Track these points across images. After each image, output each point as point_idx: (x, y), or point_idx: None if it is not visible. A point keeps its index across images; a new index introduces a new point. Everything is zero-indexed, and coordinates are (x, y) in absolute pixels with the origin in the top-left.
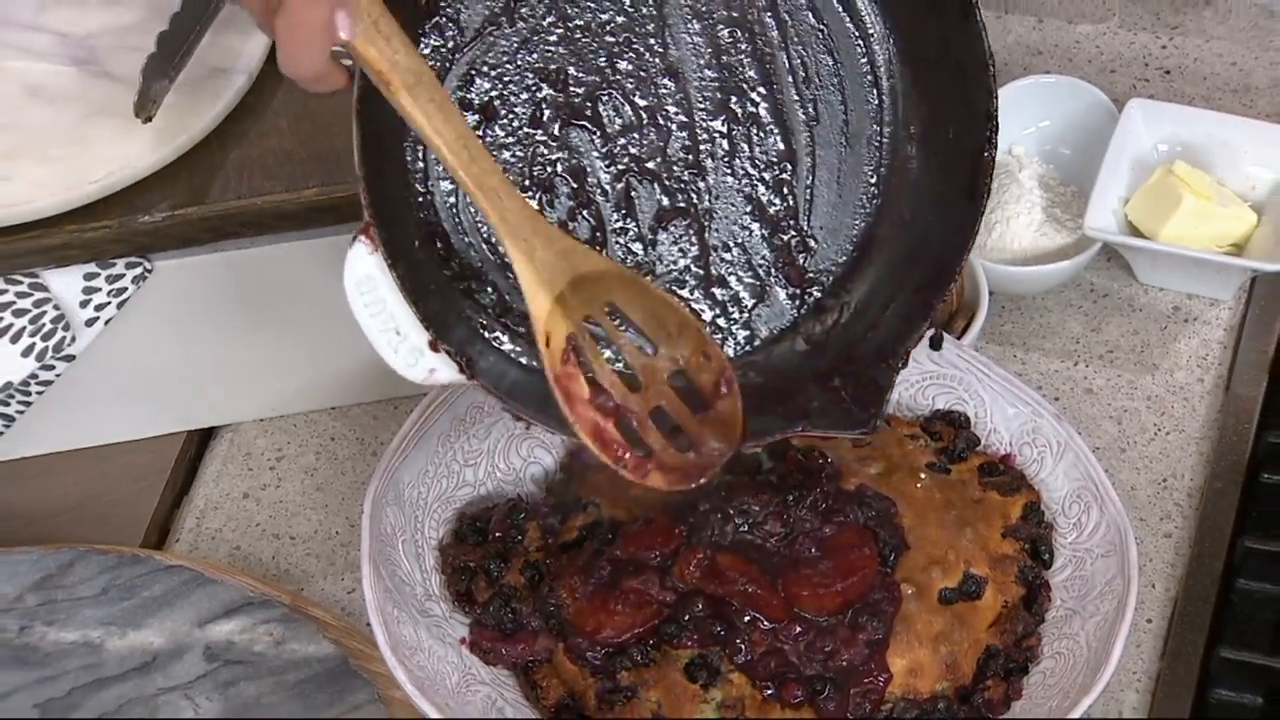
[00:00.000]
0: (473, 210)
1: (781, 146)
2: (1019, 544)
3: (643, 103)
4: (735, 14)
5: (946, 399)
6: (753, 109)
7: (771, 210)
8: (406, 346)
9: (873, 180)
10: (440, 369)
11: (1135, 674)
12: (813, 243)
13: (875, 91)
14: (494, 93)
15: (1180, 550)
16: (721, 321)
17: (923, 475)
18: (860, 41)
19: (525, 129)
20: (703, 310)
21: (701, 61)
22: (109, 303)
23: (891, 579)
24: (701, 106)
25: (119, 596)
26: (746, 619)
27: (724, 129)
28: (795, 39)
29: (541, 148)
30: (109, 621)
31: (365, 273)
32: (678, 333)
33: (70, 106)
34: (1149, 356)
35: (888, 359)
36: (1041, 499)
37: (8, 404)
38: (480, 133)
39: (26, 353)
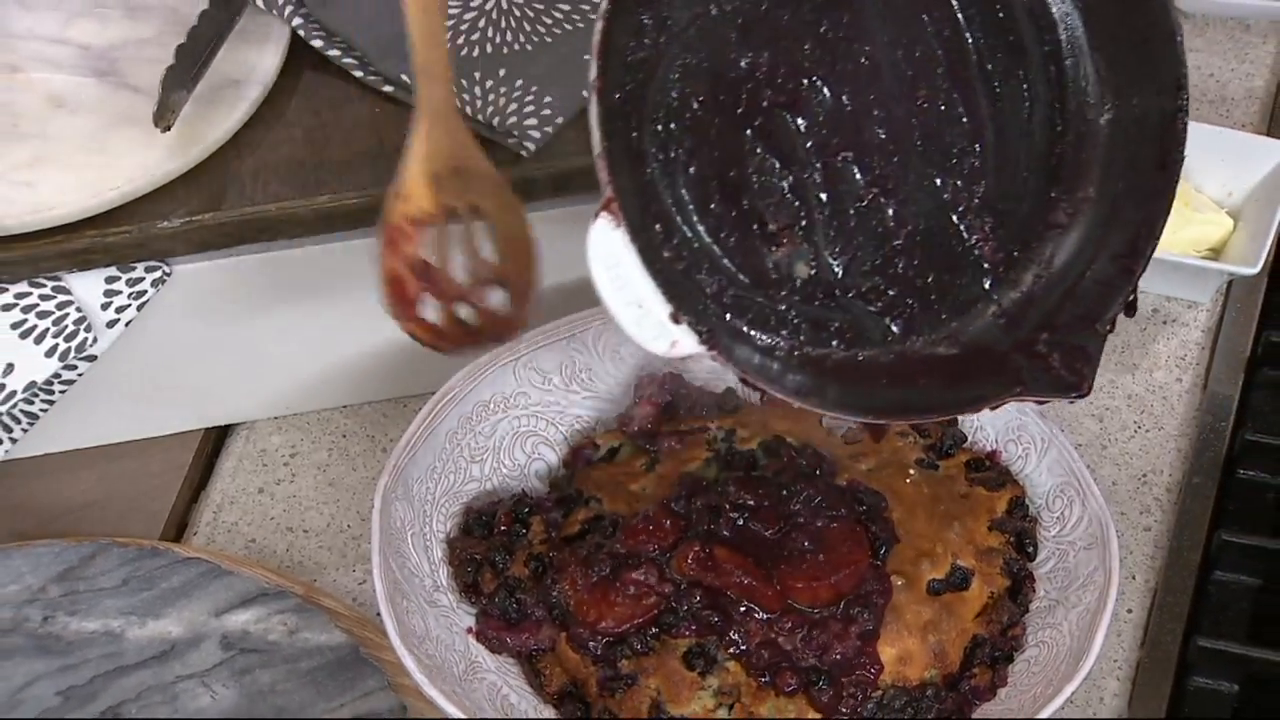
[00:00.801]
0: (686, 192)
1: (969, 127)
2: (1004, 537)
3: (840, 89)
4: (924, 2)
5: None
6: (941, 91)
7: (963, 188)
8: (650, 320)
9: (1059, 154)
10: (682, 341)
11: (1116, 662)
12: (1004, 218)
13: (1056, 69)
14: (704, 81)
15: (1159, 543)
16: (918, 296)
17: (912, 471)
18: (1042, 21)
19: (736, 114)
20: (895, 289)
21: (893, 47)
22: (129, 305)
23: (882, 571)
24: (894, 90)
25: (139, 587)
26: (742, 610)
27: (915, 111)
28: (978, 22)
29: (749, 132)
30: (129, 611)
31: (608, 248)
32: (517, 256)
33: (92, 116)
34: (1129, 357)
35: (1094, 324)
36: (1026, 494)
37: (32, 402)
38: (691, 118)
39: (50, 353)
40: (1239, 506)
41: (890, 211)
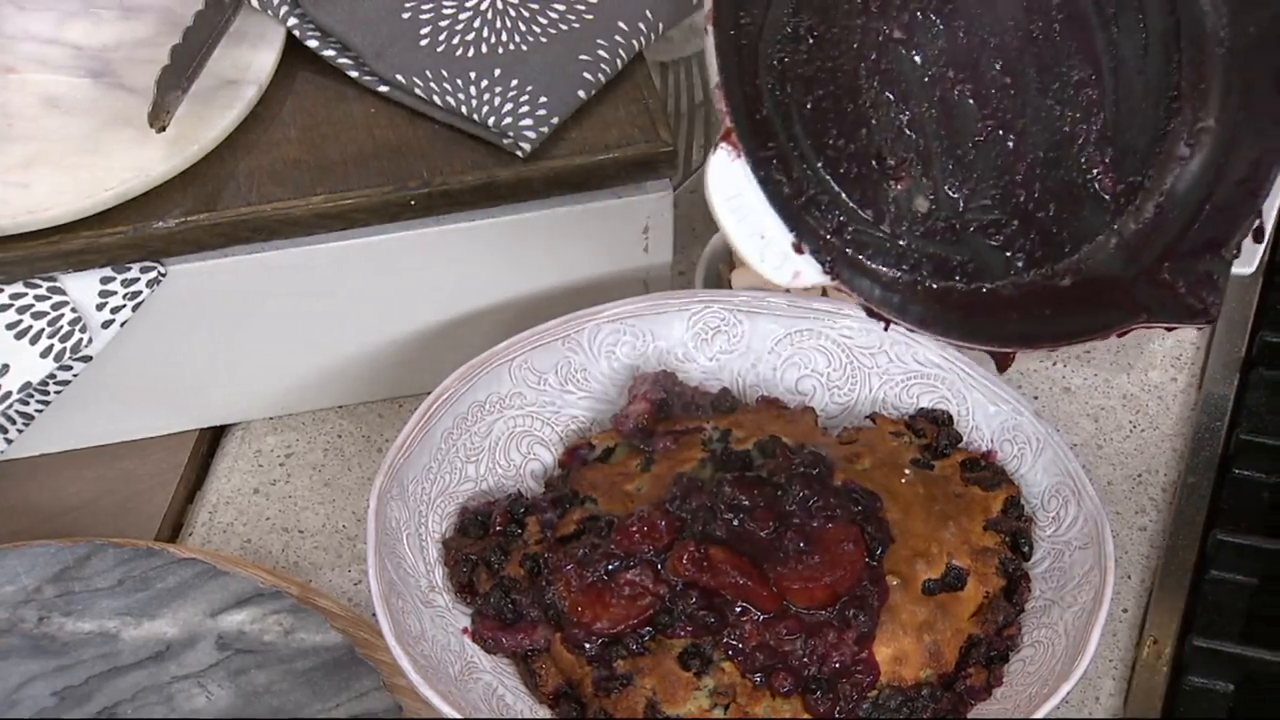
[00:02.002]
0: (802, 128)
1: (1086, 59)
2: (1000, 537)
3: (954, 23)
4: None
5: (930, 398)
6: (1057, 23)
7: (1081, 120)
8: (772, 250)
9: (1178, 84)
10: (805, 271)
11: (1111, 662)
12: (1124, 150)
13: (1170, 2)
14: (819, 18)
15: (1155, 543)
16: (1039, 229)
17: (907, 471)
18: None
19: (851, 50)
20: (1016, 222)
21: None
22: (124, 306)
23: (878, 571)
24: (1008, 23)
25: (134, 588)
26: (738, 610)
27: (1030, 44)
28: None
29: (863, 68)
30: (125, 612)
31: (728, 178)
32: None
33: (86, 117)
34: (1124, 356)
35: (1219, 250)
36: (1021, 494)
37: (27, 403)
38: (810, 58)
39: (45, 354)
40: (1234, 506)
41: (1009, 145)
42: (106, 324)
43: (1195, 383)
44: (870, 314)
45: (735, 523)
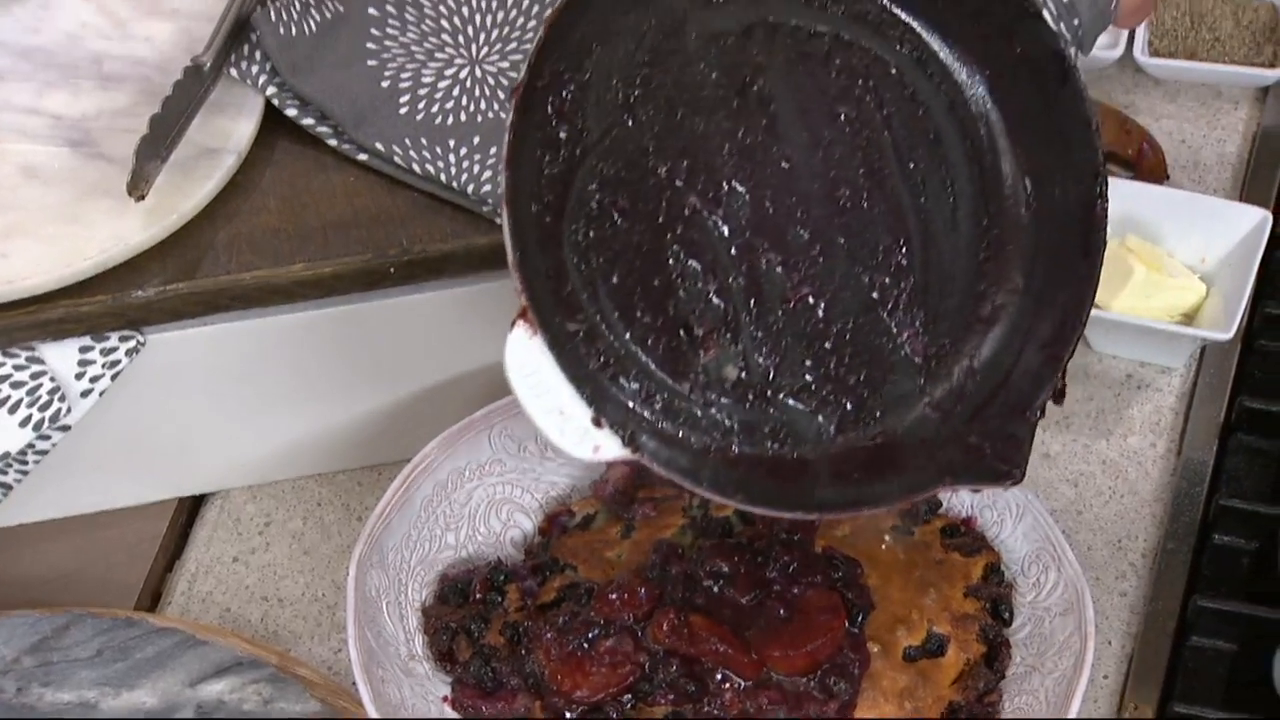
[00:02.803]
0: (609, 301)
1: (894, 224)
2: (980, 603)
3: (761, 192)
4: (840, 103)
5: None
6: (863, 190)
7: (890, 285)
8: (571, 425)
9: (986, 247)
10: (605, 445)
11: None
12: (934, 312)
13: (979, 163)
14: (622, 190)
15: (1135, 609)
16: (850, 394)
17: (887, 537)
18: (962, 118)
19: (656, 222)
20: (827, 388)
21: (811, 149)
22: (103, 375)
23: (859, 639)
24: (815, 191)
25: (113, 658)
26: (719, 677)
27: (838, 211)
28: (898, 121)
29: (670, 238)
30: (104, 682)
31: (525, 356)
32: None
33: (65, 186)
34: (1104, 422)
35: (1024, 412)
36: (1001, 560)
37: (5, 473)
38: (615, 233)
39: (24, 423)
40: (1214, 572)
41: (819, 311)
42: (85, 393)
43: (1175, 448)
44: (670, 483)
45: (715, 590)
